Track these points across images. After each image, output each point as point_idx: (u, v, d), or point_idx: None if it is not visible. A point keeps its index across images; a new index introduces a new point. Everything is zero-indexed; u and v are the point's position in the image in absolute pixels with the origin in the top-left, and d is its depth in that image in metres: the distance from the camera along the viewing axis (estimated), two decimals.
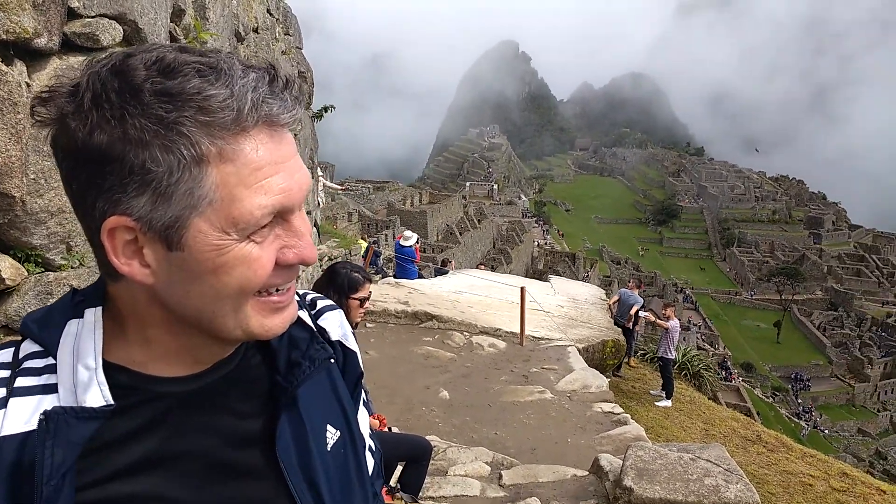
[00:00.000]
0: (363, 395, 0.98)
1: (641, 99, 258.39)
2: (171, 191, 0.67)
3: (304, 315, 0.92)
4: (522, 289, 8.98)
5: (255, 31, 6.51)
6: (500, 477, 4.89)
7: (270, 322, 0.76)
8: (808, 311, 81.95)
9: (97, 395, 0.71)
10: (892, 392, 67.76)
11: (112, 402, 0.71)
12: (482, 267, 22.09)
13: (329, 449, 0.87)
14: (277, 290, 0.75)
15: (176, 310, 0.73)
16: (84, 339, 0.74)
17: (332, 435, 0.88)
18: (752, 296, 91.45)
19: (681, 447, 4.67)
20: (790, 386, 66.39)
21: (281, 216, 0.72)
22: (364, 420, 0.98)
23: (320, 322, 0.96)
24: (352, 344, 0.98)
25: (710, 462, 4.41)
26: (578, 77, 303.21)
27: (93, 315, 0.75)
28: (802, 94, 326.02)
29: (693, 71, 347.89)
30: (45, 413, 0.69)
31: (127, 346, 0.76)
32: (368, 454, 0.97)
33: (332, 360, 0.91)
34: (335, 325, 0.97)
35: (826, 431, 57.51)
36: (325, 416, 0.88)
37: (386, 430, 3.99)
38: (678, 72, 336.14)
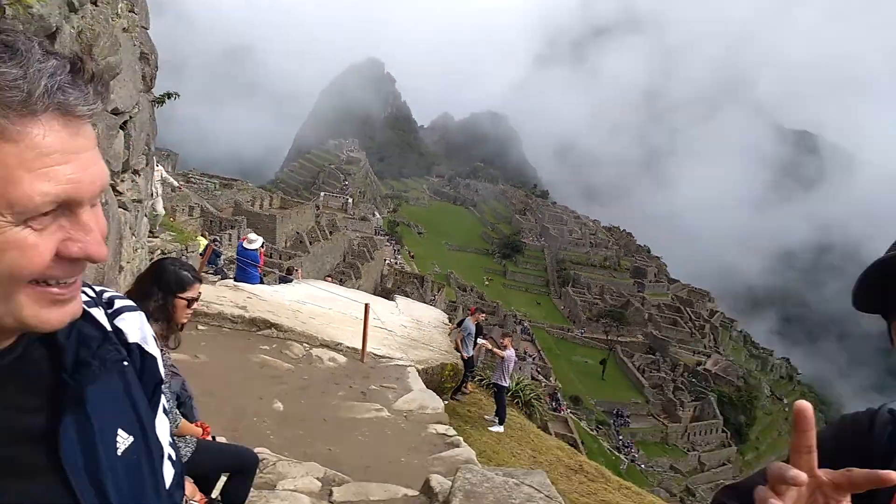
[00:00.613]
0: (163, 401, 0.94)
1: (497, 137, 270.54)
2: None
3: (99, 313, 0.88)
4: (367, 305, 8.87)
5: (94, 2, 5.94)
6: (331, 493, 4.71)
7: (47, 314, 0.72)
8: (629, 353, 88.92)
9: None
10: (700, 434, 74.80)
11: None
12: (329, 279, 21.67)
13: (120, 454, 0.83)
14: (59, 283, 0.72)
15: None
16: None
17: (124, 440, 0.84)
18: (582, 333, 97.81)
19: (506, 472, 4.78)
20: (612, 421, 71.24)
21: (68, 207, 0.69)
22: (163, 428, 0.94)
23: (117, 322, 0.91)
24: (152, 348, 0.94)
25: (533, 488, 4.54)
26: (440, 107, 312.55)
27: None
28: (638, 154, 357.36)
29: (545, 118, 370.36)
30: None
31: None
32: (168, 463, 0.93)
33: (126, 364, 0.87)
34: (134, 327, 0.93)
35: (643, 466, 61.97)
36: (117, 420, 0.84)
37: (210, 438, 3.69)
38: (532, 117, 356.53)
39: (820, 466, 1.06)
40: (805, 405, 0.84)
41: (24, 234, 0.67)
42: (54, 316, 0.73)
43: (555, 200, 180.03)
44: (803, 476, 0.81)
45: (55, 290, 0.72)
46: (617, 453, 58.54)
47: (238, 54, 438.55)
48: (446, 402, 11.63)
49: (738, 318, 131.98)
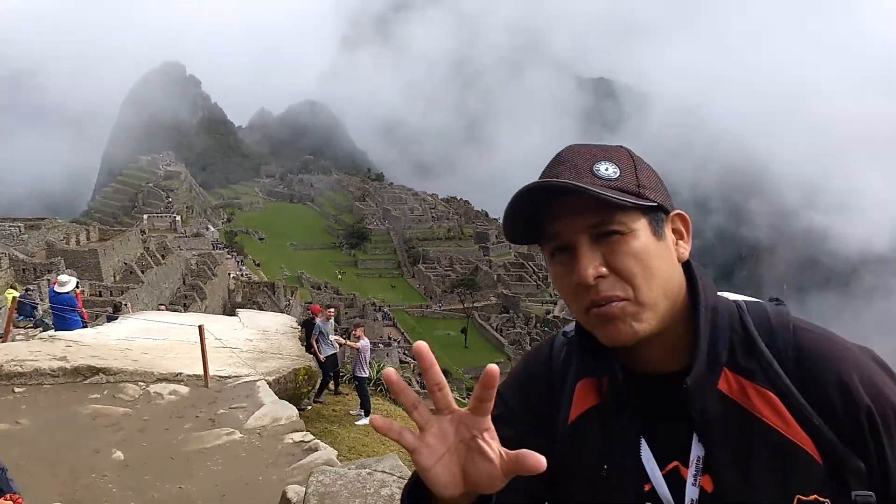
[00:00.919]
0: None
1: (321, 126, 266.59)
2: None
3: None
4: (201, 327, 8.50)
5: None
6: None
7: None
8: (486, 316, 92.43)
9: None
10: None
11: None
12: (162, 308, 20.43)
13: None
14: None
15: None
16: None
17: None
18: (440, 307, 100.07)
19: (359, 464, 4.86)
20: None
21: None
22: None
23: None
24: None
25: (386, 472, 4.66)
26: (255, 103, 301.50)
27: None
28: (458, 123, 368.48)
29: (364, 101, 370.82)
30: None
31: None
32: None
33: None
34: None
35: None
36: None
37: None
38: (352, 101, 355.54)
39: (515, 398, 1.21)
40: (421, 345, 0.87)
41: None
42: None
43: (391, 181, 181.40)
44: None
45: None
46: None
47: (18, 80, 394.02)
48: (309, 407, 11.52)
49: None
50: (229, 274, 71.77)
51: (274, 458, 6.41)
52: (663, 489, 1.04)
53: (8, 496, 3.42)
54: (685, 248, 1.09)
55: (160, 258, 57.34)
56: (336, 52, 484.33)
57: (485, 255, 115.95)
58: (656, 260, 1.02)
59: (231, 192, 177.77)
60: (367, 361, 12.00)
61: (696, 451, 1.03)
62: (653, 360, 1.08)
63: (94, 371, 8.24)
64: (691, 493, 1.03)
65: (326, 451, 6.52)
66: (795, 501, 0.97)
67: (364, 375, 11.62)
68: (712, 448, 1.02)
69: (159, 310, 17.07)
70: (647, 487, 1.06)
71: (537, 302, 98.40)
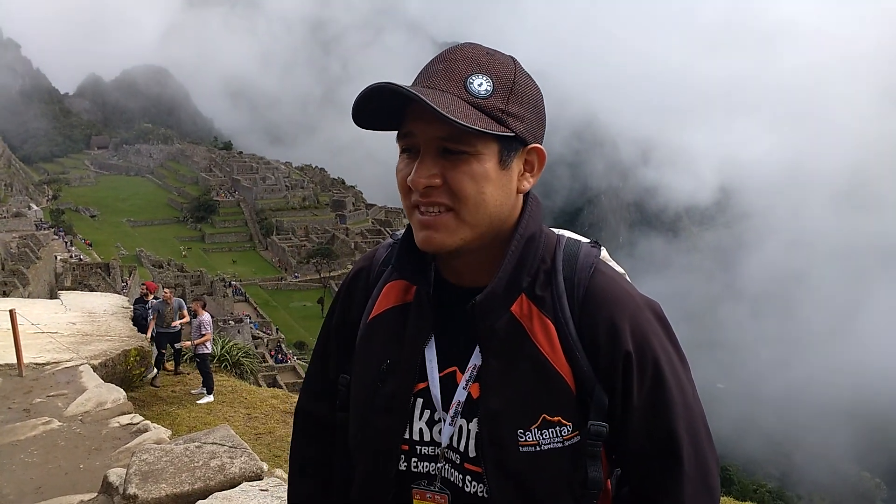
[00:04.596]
0: None
1: (161, 92, 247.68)
2: None
3: None
4: (12, 311, 7.75)
5: None
6: None
7: None
8: None
9: None
10: None
11: None
12: None
13: None
14: None
15: None
16: None
17: None
18: (296, 278, 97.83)
19: (188, 438, 4.72)
20: None
21: None
22: None
23: None
24: None
25: (216, 444, 4.56)
26: (84, 68, 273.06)
27: None
28: (317, 88, 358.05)
29: (211, 65, 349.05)
30: None
31: None
32: None
33: None
34: None
35: None
36: None
37: None
38: (196, 65, 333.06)
39: (341, 294, 1.33)
40: None
41: None
42: None
43: (241, 150, 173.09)
44: None
45: None
46: None
47: None
48: (141, 391, 10.91)
49: None
50: (56, 256, 65.49)
51: (97, 443, 6.05)
52: (436, 389, 1.12)
53: None
54: (529, 182, 1.11)
55: None
56: (179, 11, 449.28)
57: (342, 224, 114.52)
58: (492, 187, 1.04)
59: (57, 167, 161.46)
60: (210, 337, 11.54)
61: (475, 360, 1.11)
62: (466, 273, 1.14)
63: None
64: (460, 395, 1.11)
65: (157, 432, 6.25)
66: (541, 419, 1.07)
67: (206, 352, 11.18)
68: (488, 359, 1.10)
69: None
70: (421, 385, 1.13)
71: None
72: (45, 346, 8.63)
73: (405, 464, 1.14)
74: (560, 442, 1.07)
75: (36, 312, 10.06)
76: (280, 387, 27.06)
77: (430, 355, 1.14)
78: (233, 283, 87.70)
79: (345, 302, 1.29)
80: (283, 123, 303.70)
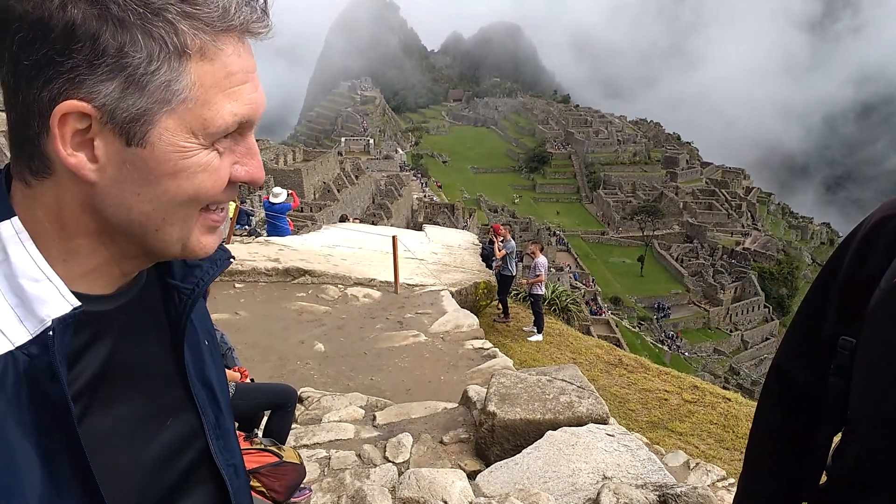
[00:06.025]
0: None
1: (510, 48, 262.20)
2: (146, 80, 0.62)
3: None
4: (394, 237, 9.06)
5: None
6: (374, 418, 5.02)
7: (206, 240, 0.72)
8: (667, 245, 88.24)
9: (62, 303, 0.64)
10: (742, 313, 74.93)
11: (79, 302, 0.65)
12: (356, 220, 21.97)
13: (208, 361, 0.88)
14: (219, 208, 0.72)
15: (117, 213, 0.66)
16: (13, 255, 0.64)
17: (206, 347, 0.89)
18: (618, 234, 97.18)
19: (539, 371, 4.99)
20: (654, 315, 71.74)
21: (240, 130, 0.69)
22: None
23: None
24: None
25: (566, 381, 4.75)
26: (448, 27, 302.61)
27: (11, 227, 0.65)
28: (664, 38, 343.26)
29: (561, 18, 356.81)
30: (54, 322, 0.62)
31: (48, 262, 0.67)
32: None
33: (233, 260, 0.88)
34: None
35: (686, 353, 62.81)
36: (204, 324, 0.89)
37: (248, 381, 3.97)
38: (546, 19, 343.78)
39: (858, 248, 1.07)
40: None
41: (211, 156, 0.67)
42: (210, 241, 0.73)
43: (577, 104, 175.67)
44: None
45: (214, 216, 0.72)
46: (660, 346, 58.97)
47: None
48: (481, 320, 11.94)
49: (779, 191, 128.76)
50: (413, 195, 74.99)
51: (455, 360, 6.81)
52: None
53: (235, 368, 3.96)
54: None
55: (354, 178, 61.27)
56: None
57: (672, 181, 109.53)
58: None
59: (419, 117, 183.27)
60: (544, 279, 12.02)
61: None
62: None
63: (302, 272, 9.17)
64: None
65: (503, 359, 6.79)
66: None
67: (540, 293, 11.68)
68: None
69: (353, 222, 18.43)
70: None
71: (726, 232, 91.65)
72: (414, 270, 9.96)
73: None
74: None
75: (406, 240, 11.64)
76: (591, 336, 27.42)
77: None
78: (557, 231, 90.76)
79: (860, 252, 1.07)
80: (622, 76, 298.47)
